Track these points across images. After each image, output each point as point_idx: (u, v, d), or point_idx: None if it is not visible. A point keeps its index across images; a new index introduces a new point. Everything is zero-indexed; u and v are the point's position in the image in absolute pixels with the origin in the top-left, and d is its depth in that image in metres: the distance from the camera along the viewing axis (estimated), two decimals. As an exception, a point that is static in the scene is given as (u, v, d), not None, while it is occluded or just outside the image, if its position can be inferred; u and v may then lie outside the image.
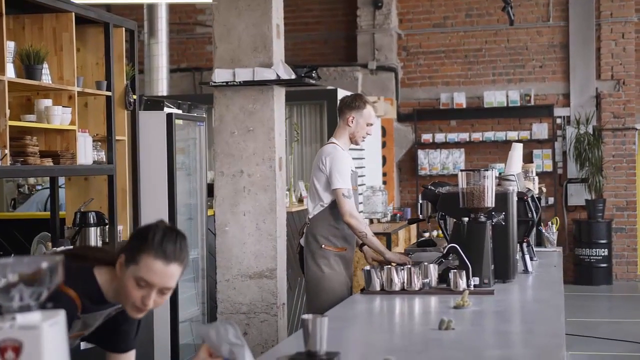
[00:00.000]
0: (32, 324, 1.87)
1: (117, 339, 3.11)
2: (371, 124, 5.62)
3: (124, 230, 6.30)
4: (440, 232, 6.54)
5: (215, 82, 5.97)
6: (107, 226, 6.04)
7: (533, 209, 5.40)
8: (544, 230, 6.84)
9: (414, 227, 11.66)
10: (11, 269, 1.92)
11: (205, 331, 2.63)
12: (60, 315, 1.93)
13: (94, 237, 5.86)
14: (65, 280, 2.76)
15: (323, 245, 5.51)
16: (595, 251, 12.93)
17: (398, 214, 11.48)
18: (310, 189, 5.71)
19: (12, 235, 6.86)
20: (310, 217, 5.61)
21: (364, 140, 5.73)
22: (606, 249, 12.96)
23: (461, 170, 4.79)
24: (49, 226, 6.20)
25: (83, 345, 5.09)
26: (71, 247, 5.08)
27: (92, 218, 5.87)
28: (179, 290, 6.81)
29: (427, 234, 11.33)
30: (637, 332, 9.54)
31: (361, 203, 10.39)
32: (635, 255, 13.39)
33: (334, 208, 5.46)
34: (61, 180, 6.56)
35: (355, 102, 5.59)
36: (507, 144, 12.05)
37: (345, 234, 5.52)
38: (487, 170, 4.74)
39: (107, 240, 6.05)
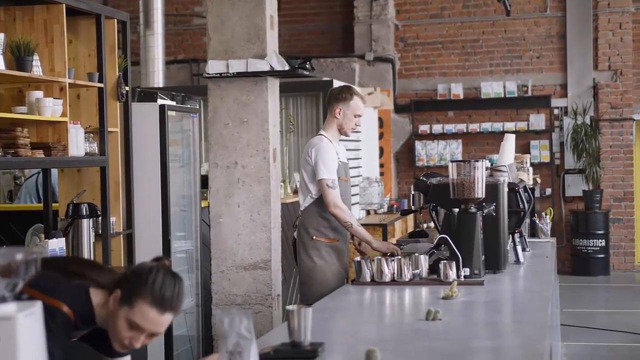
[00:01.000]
0: (7, 315, 1.87)
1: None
2: (359, 115, 5.63)
3: (116, 222, 6.30)
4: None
5: (208, 74, 5.97)
6: (99, 218, 6.04)
7: (525, 200, 5.40)
8: (537, 221, 6.83)
9: (410, 218, 11.66)
10: (-14, 260, 1.92)
11: (220, 316, 2.65)
12: (36, 307, 1.93)
13: (87, 228, 5.86)
14: (63, 297, 2.78)
15: (314, 237, 5.53)
16: (593, 242, 12.94)
17: (395, 205, 11.48)
18: (300, 182, 5.74)
19: (7, 227, 6.87)
20: (301, 209, 5.64)
21: (356, 131, 5.73)
22: (603, 240, 12.96)
23: (451, 161, 4.80)
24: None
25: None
26: (67, 257, 5.05)
27: (84, 210, 5.86)
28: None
29: (424, 225, 11.33)
30: (633, 323, 9.55)
31: (357, 194, 10.40)
32: (633, 246, 13.40)
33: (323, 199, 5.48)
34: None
35: (342, 93, 5.61)
36: (504, 134, 12.08)
37: (336, 225, 5.54)
38: (478, 161, 4.74)
39: (99, 231, 6.05)
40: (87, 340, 3.10)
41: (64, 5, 5.65)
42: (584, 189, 13.12)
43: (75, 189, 6.18)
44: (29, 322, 1.90)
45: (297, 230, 5.66)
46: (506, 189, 5.04)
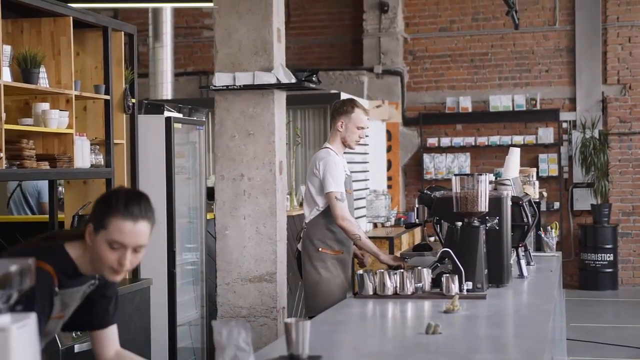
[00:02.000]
0: (0, 327, 1.88)
1: (96, 315, 3.19)
2: (362, 128, 5.66)
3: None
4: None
5: (215, 86, 5.99)
6: (105, 229, 6.05)
7: (529, 214, 5.38)
8: (543, 235, 6.81)
9: (418, 231, 11.65)
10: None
11: (218, 327, 2.67)
12: (31, 318, 1.94)
13: (92, 240, 5.87)
14: (40, 256, 2.85)
15: (320, 249, 5.56)
16: (601, 256, 12.89)
17: (402, 218, 11.47)
18: (305, 194, 5.77)
19: (14, 237, 6.89)
20: (306, 221, 5.66)
21: (360, 144, 5.76)
22: (612, 254, 12.92)
23: (455, 175, 4.80)
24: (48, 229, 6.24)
25: (77, 348, 5.14)
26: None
27: (90, 221, 5.87)
28: (177, 293, 6.83)
29: (432, 239, 11.31)
30: (641, 338, 9.52)
31: (364, 207, 10.41)
32: (642, 260, 13.36)
33: (330, 212, 5.50)
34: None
35: (344, 106, 5.65)
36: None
37: (341, 237, 5.56)
38: (481, 174, 4.73)
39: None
40: (75, 324, 3.18)
41: (71, 18, 5.69)
42: (593, 203, 13.09)
43: (80, 201, 6.20)
44: (22, 333, 1.91)
45: (302, 242, 5.68)
46: (510, 203, 5.03)
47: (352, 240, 5.55)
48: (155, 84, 11.69)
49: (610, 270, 12.93)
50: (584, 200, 13.29)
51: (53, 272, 2.90)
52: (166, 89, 11.68)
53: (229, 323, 2.73)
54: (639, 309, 11.82)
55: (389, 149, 13.02)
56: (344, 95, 9.89)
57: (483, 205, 4.69)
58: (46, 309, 2.89)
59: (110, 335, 3.23)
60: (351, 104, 5.68)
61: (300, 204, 9.01)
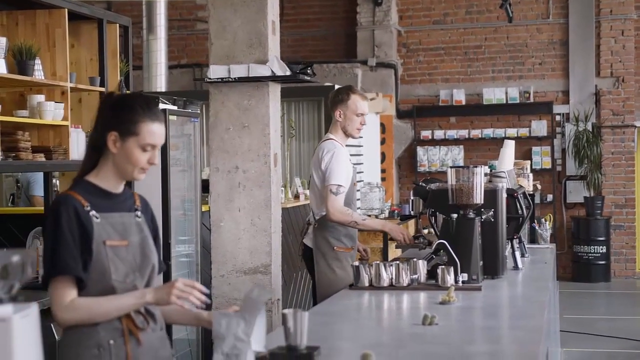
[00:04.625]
0: (2, 317, 1.89)
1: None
2: (361, 114, 5.60)
3: (117, 225, 6.31)
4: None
5: (210, 79, 5.98)
6: (100, 221, 6.06)
7: (524, 206, 5.40)
8: (537, 227, 6.84)
9: (412, 223, 11.67)
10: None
11: (218, 318, 2.68)
12: (32, 308, 1.95)
13: (87, 232, 5.88)
14: (69, 189, 3.02)
15: (335, 247, 5.51)
16: (594, 248, 12.95)
17: (396, 211, 11.47)
18: (312, 189, 5.69)
19: (8, 229, 6.88)
20: (317, 217, 5.59)
21: (359, 131, 5.70)
22: (604, 246, 12.98)
23: (450, 167, 4.81)
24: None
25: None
26: None
27: (85, 213, 5.88)
28: (172, 285, 6.83)
29: (426, 231, 11.31)
30: (634, 329, 9.57)
31: (358, 200, 10.42)
32: (634, 253, 13.40)
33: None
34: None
35: (339, 95, 5.62)
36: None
37: (352, 232, 5.54)
38: (476, 167, 4.75)
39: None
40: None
41: (66, 10, 5.69)
42: (585, 196, 13.14)
43: (76, 193, 6.19)
44: (24, 323, 1.92)
45: (315, 239, 5.60)
46: (505, 195, 5.05)
47: (354, 228, 5.51)
48: (149, 76, 11.66)
49: (603, 262, 12.98)
50: (577, 192, 13.33)
51: (77, 194, 3.00)
52: (160, 82, 11.65)
53: (228, 314, 2.74)
54: (631, 300, 11.89)
55: (382, 142, 13.04)
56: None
57: (478, 198, 4.71)
58: (75, 227, 2.94)
59: None
60: (347, 91, 5.63)
61: (295, 197, 9.03)
